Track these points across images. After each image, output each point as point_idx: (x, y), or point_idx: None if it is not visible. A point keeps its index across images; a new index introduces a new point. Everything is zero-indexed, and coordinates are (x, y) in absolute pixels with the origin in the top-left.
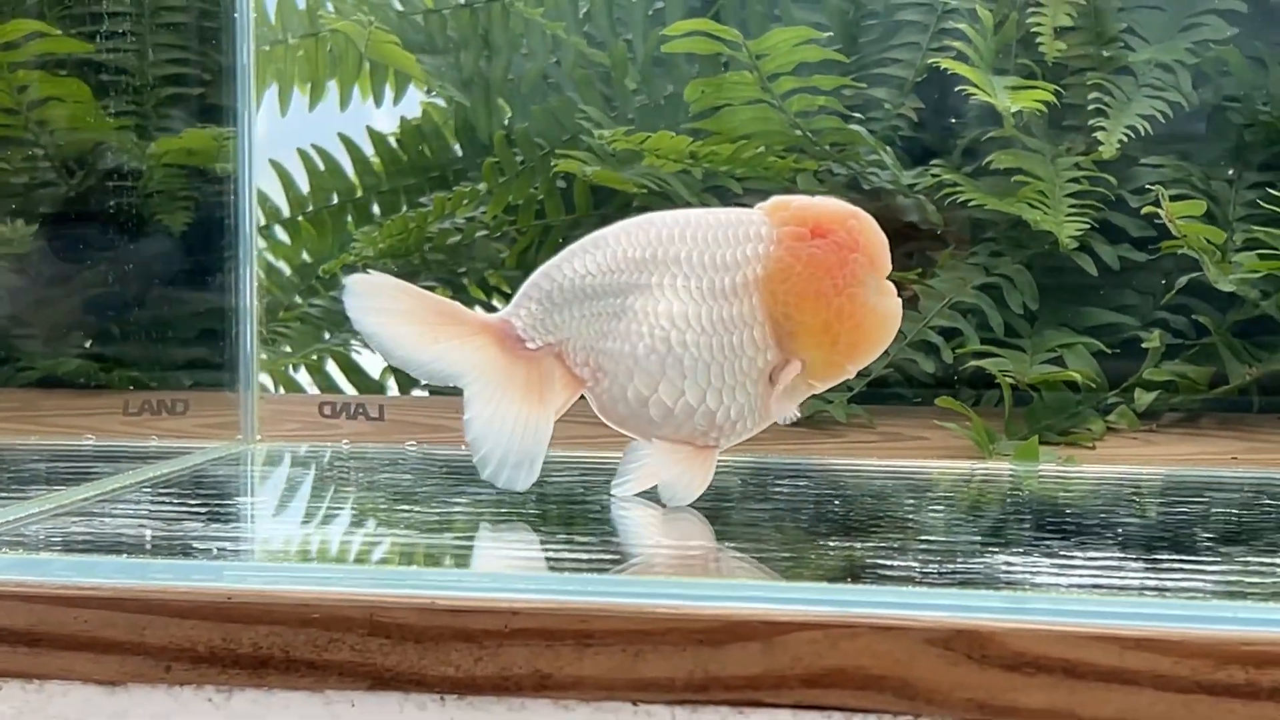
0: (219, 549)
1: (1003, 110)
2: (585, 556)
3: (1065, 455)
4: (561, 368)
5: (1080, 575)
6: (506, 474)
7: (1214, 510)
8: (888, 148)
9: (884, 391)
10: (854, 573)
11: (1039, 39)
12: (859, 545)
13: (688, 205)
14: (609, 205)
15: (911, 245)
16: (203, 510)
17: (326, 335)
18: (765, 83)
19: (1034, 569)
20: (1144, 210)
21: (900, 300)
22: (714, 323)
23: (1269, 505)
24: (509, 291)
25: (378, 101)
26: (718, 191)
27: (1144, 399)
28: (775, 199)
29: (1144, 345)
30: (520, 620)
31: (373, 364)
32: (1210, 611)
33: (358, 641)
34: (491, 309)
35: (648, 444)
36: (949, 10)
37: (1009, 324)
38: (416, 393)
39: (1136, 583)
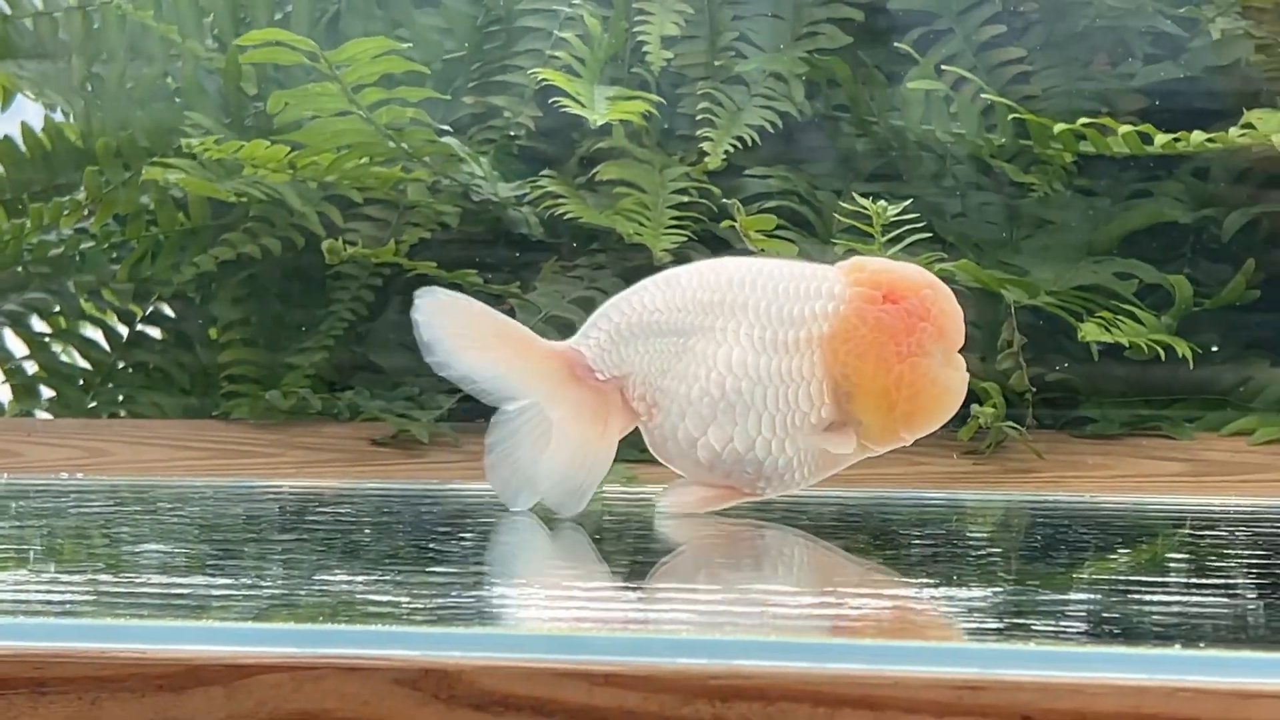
0: None
1: (592, 122)
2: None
3: (628, 475)
4: (621, 400)
5: (569, 607)
6: (557, 499)
7: (763, 531)
8: (482, 159)
9: (483, 407)
10: (337, 609)
11: (646, 48)
12: (360, 579)
13: (301, 214)
14: (228, 214)
15: (526, 257)
16: None
17: None
18: (350, 94)
19: (525, 602)
20: (724, 225)
21: (967, 375)
22: (771, 374)
23: (808, 525)
24: (118, 305)
25: None
26: (339, 200)
27: None
28: (855, 259)
29: None
30: None
31: None
32: (682, 645)
33: None
34: (104, 324)
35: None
36: (570, 19)
37: None
38: None
39: (619, 615)
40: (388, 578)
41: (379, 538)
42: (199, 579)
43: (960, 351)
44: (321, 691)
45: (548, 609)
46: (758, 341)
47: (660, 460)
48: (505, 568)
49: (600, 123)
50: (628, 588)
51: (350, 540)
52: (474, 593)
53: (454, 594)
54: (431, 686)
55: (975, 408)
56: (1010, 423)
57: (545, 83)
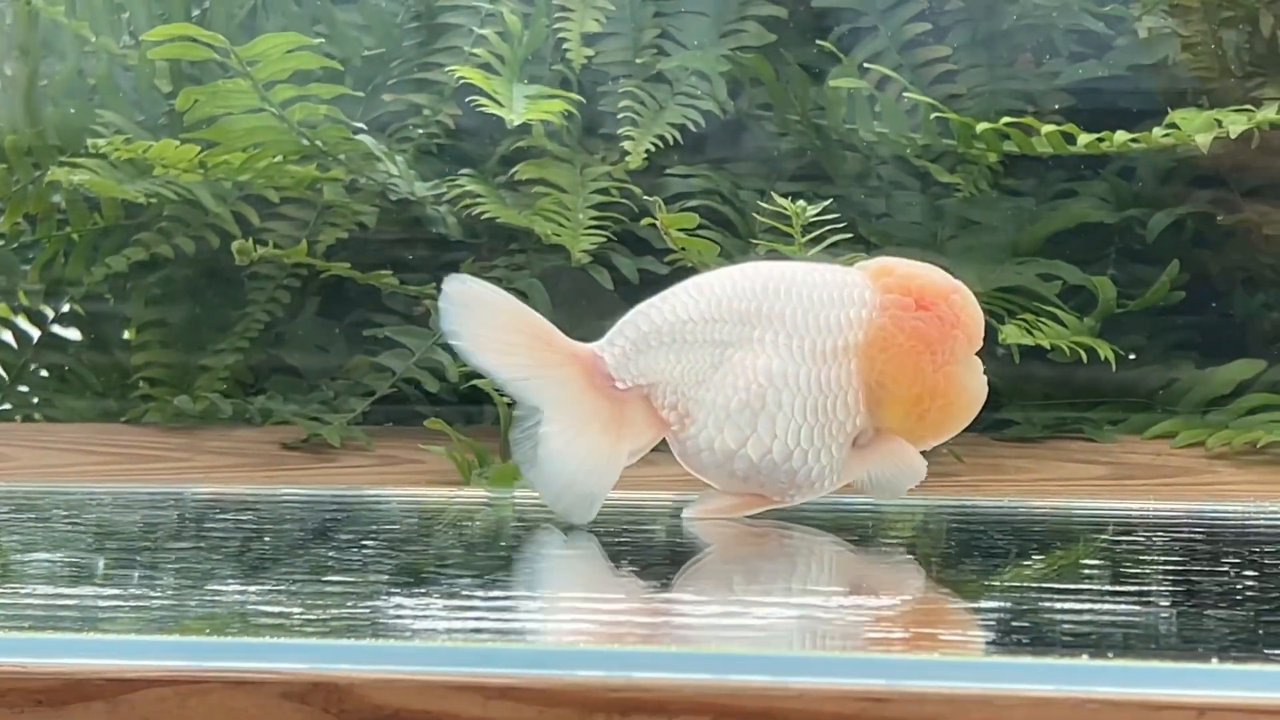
0: None
1: (509, 121)
2: None
3: None
4: (647, 409)
5: (469, 619)
6: (566, 506)
7: (653, 543)
8: (398, 158)
9: (399, 410)
10: (227, 621)
11: (567, 46)
12: (253, 589)
13: (216, 214)
14: (143, 214)
15: (445, 257)
16: None
17: None
18: (262, 90)
19: (424, 611)
20: (644, 223)
21: (985, 379)
22: (809, 384)
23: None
24: (28, 306)
25: None
26: (255, 200)
27: None
28: (879, 261)
29: None
30: None
31: None
32: (580, 657)
33: None
34: (13, 326)
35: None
36: (491, 15)
37: None
38: None
39: (519, 625)
40: (282, 588)
41: (278, 546)
42: (86, 589)
43: None
44: (207, 706)
45: (444, 620)
46: (796, 351)
47: (689, 470)
48: (405, 577)
49: (517, 122)
50: (531, 597)
51: (248, 549)
52: (370, 603)
53: (349, 605)
54: (321, 700)
55: None
56: None
57: (465, 81)
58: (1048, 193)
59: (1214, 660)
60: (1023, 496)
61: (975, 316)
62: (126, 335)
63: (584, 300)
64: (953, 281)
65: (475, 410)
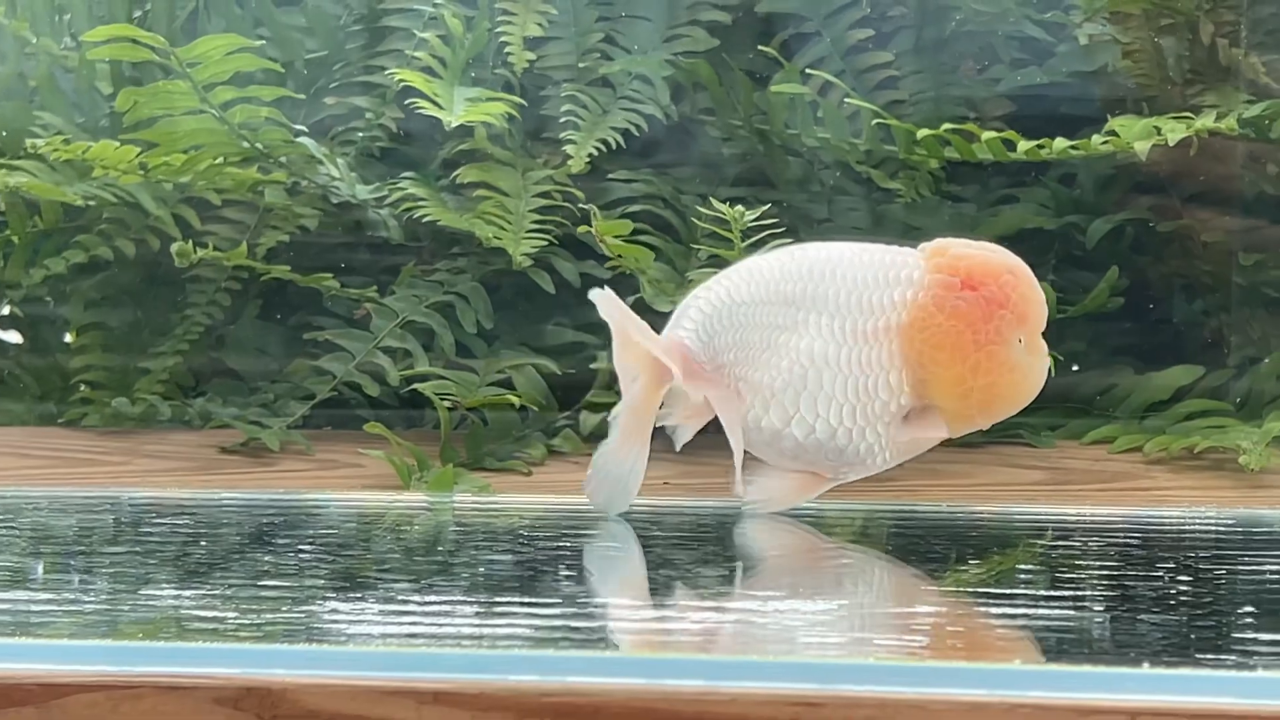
0: None
1: (446, 123)
2: None
3: (480, 485)
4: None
5: (403, 623)
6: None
7: (607, 543)
8: (339, 160)
9: (339, 414)
10: (160, 626)
11: (508, 49)
12: (187, 594)
13: (157, 217)
14: (83, 216)
15: (387, 260)
16: None
17: None
18: (202, 92)
19: (359, 616)
20: (580, 230)
21: (1048, 360)
22: (853, 364)
23: (659, 537)
24: None
25: None
26: (197, 203)
27: (590, 421)
28: (938, 241)
29: (592, 367)
30: None
31: None
32: (515, 661)
33: None
34: None
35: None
36: (433, 19)
37: (465, 344)
38: None
39: (456, 630)
40: (217, 593)
41: (214, 551)
42: (19, 594)
43: None
44: (139, 712)
45: (380, 625)
46: (839, 332)
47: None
48: (341, 582)
49: (454, 123)
50: (467, 601)
51: (184, 554)
52: (305, 608)
53: (284, 610)
54: (254, 705)
55: None
56: None
57: (402, 85)
58: (989, 199)
59: (1146, 665)
60: (961, 501)
61: (1030, 296)
62: (67, 338)
63: (525, 303)
64: (1009, 262)
65: (417, 414)
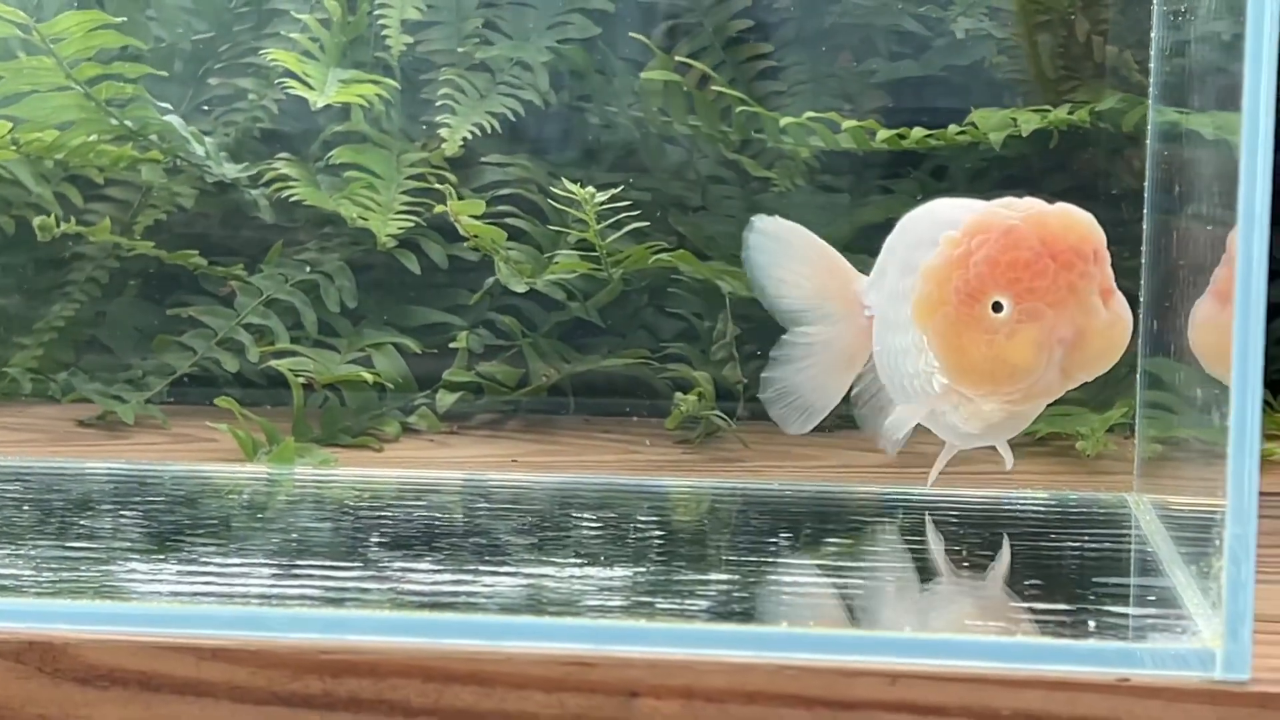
0: None
1: (313, 103)
2: None
3: (322, 458)
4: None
5: (197, 583)
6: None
7: (412, 518)
8: (207, 139)
9: (208, 391)
10: None
11: (386, 33)
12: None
13: (38, 195)
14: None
15: (261, 239)
16: None
17: None
18: (67, 69)
19: (155, 576)
20: (436, 210)
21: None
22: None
23: (512, 510)
24: None
25: None
26: (79, 182)
27: (446, 400)
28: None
29: (451, 346)
30: None
31: None
32: (294, 620)
33: None
34: None
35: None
36: (316, 2)
37: (330, 323)
38: None
39: (246, 590)
40: (22, 553)
41: (34, 515)
42: None
43: (681, 343)
44: None
45: (173, 584)
46: (890, 295)
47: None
48: (149, 545)
49: (321, 104)
50: (267, 565)
51: (2, 518)
52: (104, 568)
53: (82, 569)
54: (36, 659)
55: (678, 396)
56: (718, 412)
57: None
58: (863, 189)
59: (906, 629)
60: (796, 480)
61: (1021, 258)
62: None
63: (394, 284)
64: (1005, 221)
65: (284, 393)
